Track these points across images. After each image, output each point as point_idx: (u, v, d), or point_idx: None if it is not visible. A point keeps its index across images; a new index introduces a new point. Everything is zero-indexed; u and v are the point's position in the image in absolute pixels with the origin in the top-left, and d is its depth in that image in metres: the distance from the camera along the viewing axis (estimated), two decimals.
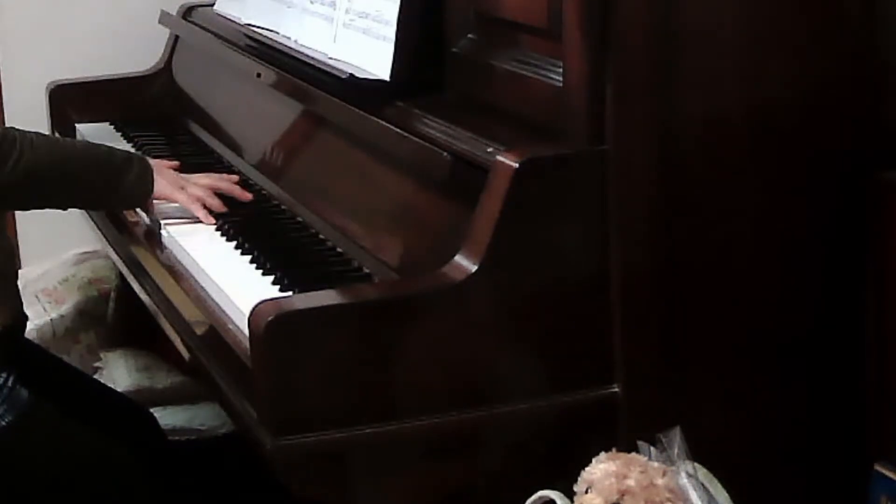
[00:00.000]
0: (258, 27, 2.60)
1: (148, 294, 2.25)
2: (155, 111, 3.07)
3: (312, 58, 2.31)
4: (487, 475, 1.76)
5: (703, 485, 1.60)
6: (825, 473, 1.92)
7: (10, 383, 2.06)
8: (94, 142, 2.32)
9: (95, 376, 2.80)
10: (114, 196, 2.27)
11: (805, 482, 1.91)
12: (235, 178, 2.40)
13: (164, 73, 3.14)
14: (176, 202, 2.29)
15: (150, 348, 2.90)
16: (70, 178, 2.21)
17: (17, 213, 3.10)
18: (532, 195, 1.73)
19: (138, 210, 2.40)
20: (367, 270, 2.01)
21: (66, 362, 2.58)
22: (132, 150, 2.29)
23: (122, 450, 2.15)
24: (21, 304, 2.32)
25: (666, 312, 1.80)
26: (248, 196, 2.36)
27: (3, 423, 2.03)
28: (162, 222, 2.31)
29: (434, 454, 1.74)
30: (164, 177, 2.29)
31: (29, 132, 2.19)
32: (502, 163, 1.74)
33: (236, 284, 2.00)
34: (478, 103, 2.01)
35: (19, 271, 3.03)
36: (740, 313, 1.84)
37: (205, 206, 2.29)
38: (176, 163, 2.46)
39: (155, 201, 2.30)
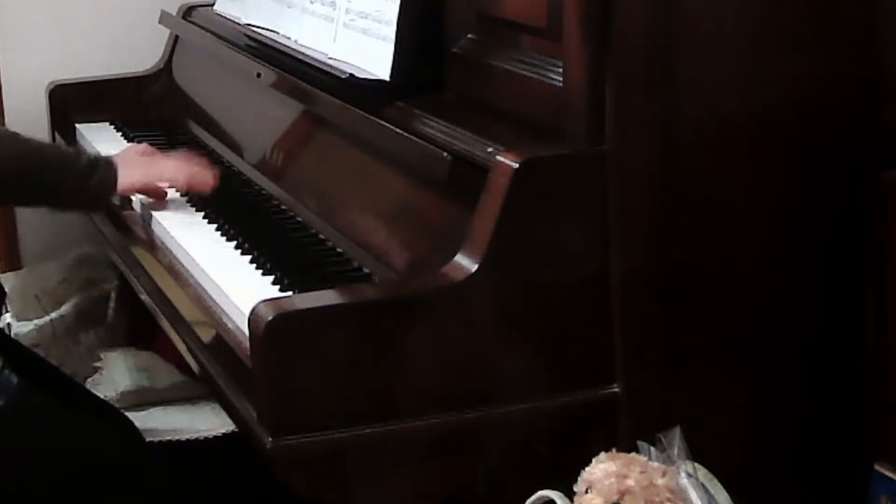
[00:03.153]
0: (258, 27, 2.60)
1: (148, 294, 2.25)
2: (155, 111, 3.07)
3: (312, 58, 2.31)
4: (487, 475, 1.76)
5: (703, 485, 1.59)
6: (825, 473, 1.92)
7: None
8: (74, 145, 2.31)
9: (95, 376, 2.80)
10: (74, 198, 2.25)
11: (805, 482, 1.91)
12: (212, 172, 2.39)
13: (164, 73, 3.13)
14: (148, 187, 2.30)
15: (150, 348, 2.90)
16: (30, 174, 2.17)
17: (17, 212, 3.10)
18: (532, 195, 1.73)
19: (133, 202, 2.41)
20: (367, 270, 2.01)
21: (52, 364, 2.58)
22: (99, 154, 2.26)
23: (111, 439, 2.16)
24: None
25: (666, 312, 1.80)
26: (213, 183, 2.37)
27: None
28: (152, 213, 2.34)
29: (434, 454, 1.74)
30: (130, 165, 2.27)
31: None
32: (502, 163, 1.74)
33: (236, 284, 2.00)
34: (478, 103, 2.01)
35: (19, 271, 3.04)
36: (740, 313, 1.84)
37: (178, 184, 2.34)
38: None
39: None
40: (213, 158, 2.70)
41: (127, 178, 2.25)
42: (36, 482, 2.08)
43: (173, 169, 2.33)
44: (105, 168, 2.23)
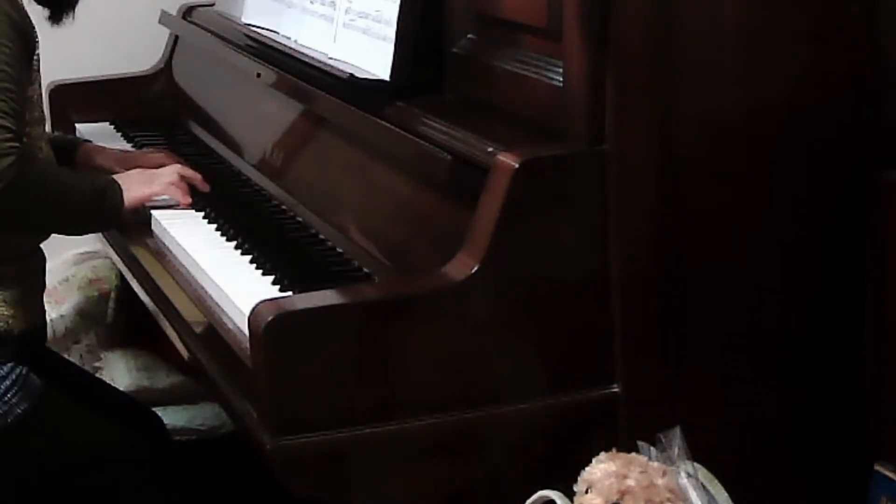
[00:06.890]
0: (258, 27, 2.60)
1: (148, 294, 2.25)
2: (155, 111, 3.07)
3: (312, 58, 2.31)
4: (487, 475, 1.76)
5: (703, 485, 1.60)
6: (825, 473, 1.92)
7: (24, 373, 2.08)
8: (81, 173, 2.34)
9: (95, 376, 2.80)
10: (91, 223, 2.29)
11: (805, 482, 1.91)
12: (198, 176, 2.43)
13: (164, 73, 3.14)
14: (151, 199, 2.32)
15: (150, 348, 2.90)
16: (58, 204, 2.18)
17: None
18: (532, 195, 1.73)
19: None
20: (367, 270, 2.01)
21: (74, 363, 2.59)
22: (101, 177, 2.29)
23: (131, 439, 2.17)
24: (44, 315, 2.31)
25: (666, 312, 1.80)
26: (206, 187, 2.41)
27: (19, 410, 2.06)
28: (152, 213, 2.34)
29: (434, 454, 1.74)
30: (132, 182, 2.29)
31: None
32: (502, 163, 1.74)
33: (236, 284, 2.00)
34: (478, 103, 2.01)
35: None
36: (740, 313, 1.84)
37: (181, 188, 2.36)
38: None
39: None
40: (214, 158, 2.71)
41: (132, 193, 2.28)
42: (56, 483, 2.10)
43: (169, 174, 2.36)
44: (112, 190, 2.25)
